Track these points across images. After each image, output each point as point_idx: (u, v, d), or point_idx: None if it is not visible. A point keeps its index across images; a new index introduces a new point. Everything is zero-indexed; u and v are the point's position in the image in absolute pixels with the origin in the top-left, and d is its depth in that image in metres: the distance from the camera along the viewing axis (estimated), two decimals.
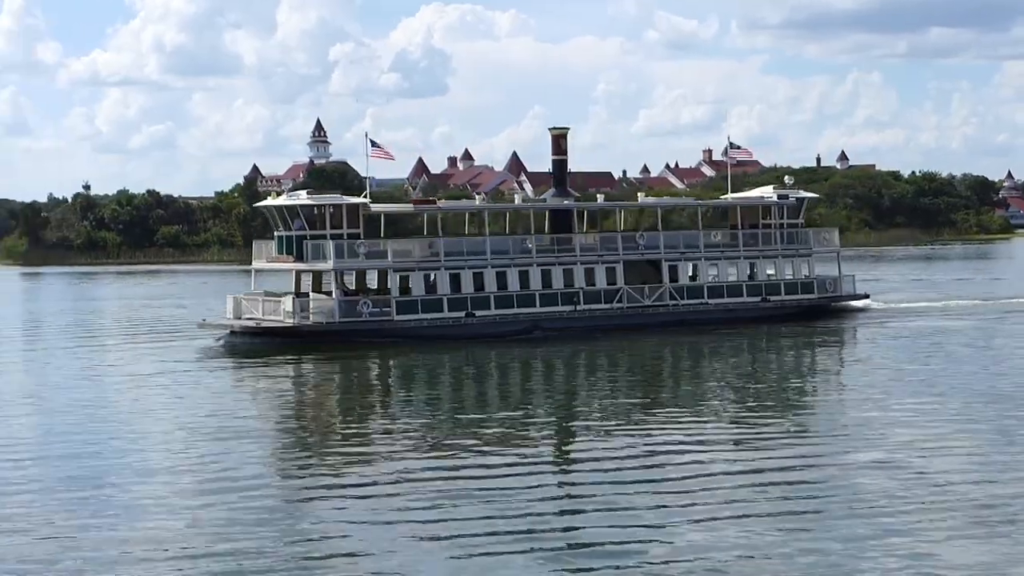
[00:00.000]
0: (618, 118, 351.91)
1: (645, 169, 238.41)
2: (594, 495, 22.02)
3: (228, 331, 47.71)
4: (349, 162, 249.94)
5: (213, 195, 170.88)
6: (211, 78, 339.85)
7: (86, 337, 54.77)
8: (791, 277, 57.30)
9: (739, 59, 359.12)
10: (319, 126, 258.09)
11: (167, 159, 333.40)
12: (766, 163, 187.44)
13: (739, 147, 63.66)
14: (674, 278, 54.52)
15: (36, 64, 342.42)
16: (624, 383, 38.95)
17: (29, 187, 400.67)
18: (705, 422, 30.00)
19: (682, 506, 21.13)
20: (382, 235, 52.00)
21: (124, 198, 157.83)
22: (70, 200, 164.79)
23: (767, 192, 60.53)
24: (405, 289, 48.80)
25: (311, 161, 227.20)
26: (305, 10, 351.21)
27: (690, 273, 54.94)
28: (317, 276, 49.37)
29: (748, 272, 56.61)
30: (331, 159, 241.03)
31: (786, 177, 65.81)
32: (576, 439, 28.75)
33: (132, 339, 53.20)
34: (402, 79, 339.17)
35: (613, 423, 30.23)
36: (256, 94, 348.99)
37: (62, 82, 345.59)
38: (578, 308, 51.52)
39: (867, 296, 59.90)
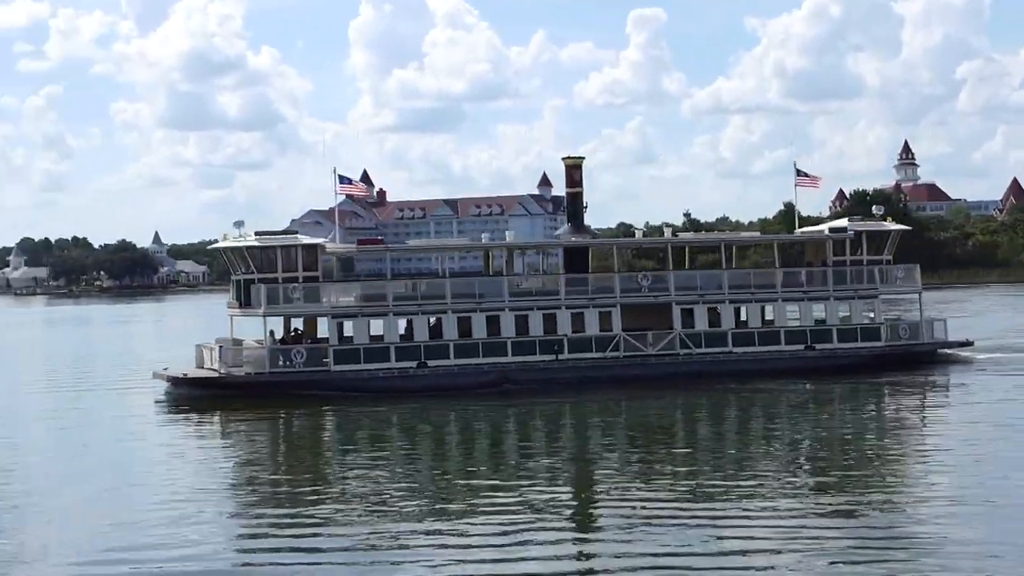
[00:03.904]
0: None
1: None
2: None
3: (169, 381, 43.16)
4: (938, 183, 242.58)
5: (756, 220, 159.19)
6: (833, 101, 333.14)
7: None
8: (848, 322, 46.89)
9: None
10: (907, 148, 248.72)
11: (783, 184, 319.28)
12: None
13: (806, 174, 53.16)
14: (688, 323, 44.35)
15: (662, 95, 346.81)
16: (616, 441, 31.54)
17: (653, 214, 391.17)
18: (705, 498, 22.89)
19: None
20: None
21: (655, 229, 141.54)
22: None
23: (840, 226, 49.41)
24: (345, 337, 42.73)
25: (897, 184, 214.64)
26: (930, 28, 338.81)
27: (735, 318, 45.75)
28: (311, 322, 44.94)
29: (796, 316, 46.28)
30: (918, 182, 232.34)
31: (874, 207, 55.15)
32: (553, 511, 22.41)
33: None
34: None
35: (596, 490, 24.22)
36: (878, 115, 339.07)
37: (686, 111, 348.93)
38: (560, 358, 42.58)
39: (970, 344, 48.10)
